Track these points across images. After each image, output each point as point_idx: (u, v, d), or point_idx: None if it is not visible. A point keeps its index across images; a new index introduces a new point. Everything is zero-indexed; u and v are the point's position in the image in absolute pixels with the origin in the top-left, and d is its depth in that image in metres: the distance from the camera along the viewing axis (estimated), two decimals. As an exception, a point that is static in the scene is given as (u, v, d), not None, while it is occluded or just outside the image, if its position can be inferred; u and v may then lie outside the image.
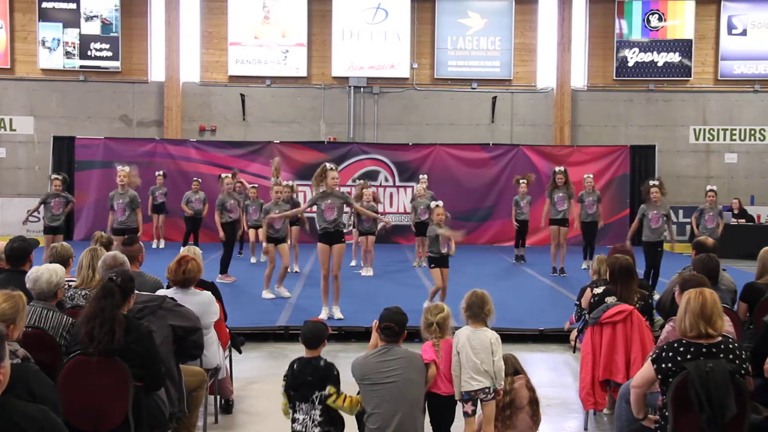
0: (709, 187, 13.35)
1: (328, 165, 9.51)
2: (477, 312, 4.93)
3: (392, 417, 4.54)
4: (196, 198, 15.47)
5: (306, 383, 4.59)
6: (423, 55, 20.07)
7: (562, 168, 13.84)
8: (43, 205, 12.65)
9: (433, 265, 9.46)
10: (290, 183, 13.83)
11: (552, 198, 13.43)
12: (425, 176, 15.19)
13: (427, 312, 4.98)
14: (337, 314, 9.33)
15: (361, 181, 14.43)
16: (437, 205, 9.51)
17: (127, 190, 11.71)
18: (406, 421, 4.56)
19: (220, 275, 11.94)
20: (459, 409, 4.91)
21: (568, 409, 6.53)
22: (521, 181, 14.85)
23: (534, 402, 4.97)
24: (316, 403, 4.57)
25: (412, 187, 18.46)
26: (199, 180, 16.07)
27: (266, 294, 10.83)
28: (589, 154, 18.93)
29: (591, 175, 14.61)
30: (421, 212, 13.92)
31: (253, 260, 14.61)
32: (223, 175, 13.36)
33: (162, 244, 16.96)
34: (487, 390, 4.76)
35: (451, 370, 4.86)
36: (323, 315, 9.27)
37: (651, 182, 12.01)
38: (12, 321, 3.89)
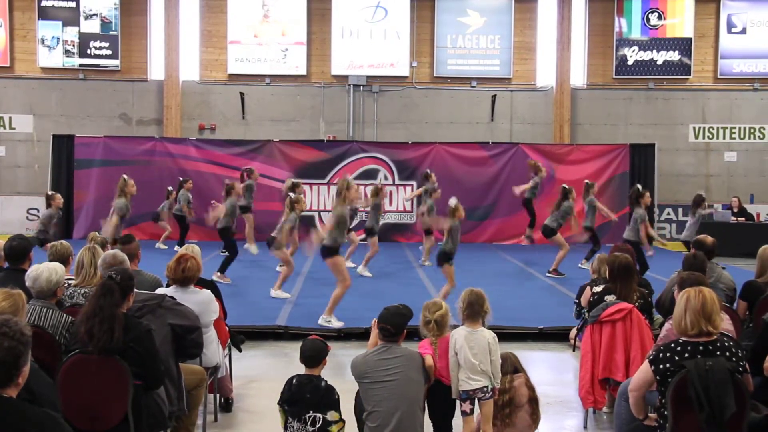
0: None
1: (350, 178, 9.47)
2: (477, 310, 4.92)
3: (392, 415, 4.54)
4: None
5: (303, 400, 4.50)
6: (422, 54, 20.06)
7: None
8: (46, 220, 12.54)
9: (452, 262, 9.55)
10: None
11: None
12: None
13: (425, 309, 4.97)
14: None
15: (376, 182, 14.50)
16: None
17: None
18: (405, 419, 4.56)
19: (218, 273, 11.92)
20: (458, 407, 4.92)
21: (567, 407, 6.54)
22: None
23: (533, 400, 4.96)
24: (308, 424, 4.47)
25: (412, 185, 18.52)
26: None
27: (278, 293, 10.78)
28: (588, 152, 18.92)
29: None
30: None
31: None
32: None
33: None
34: (485, 389, 4.76)
35: (447, 370, 4.86)
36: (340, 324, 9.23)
37: (641, 187, 12.63)
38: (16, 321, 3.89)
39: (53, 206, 12.41)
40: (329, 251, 9.04)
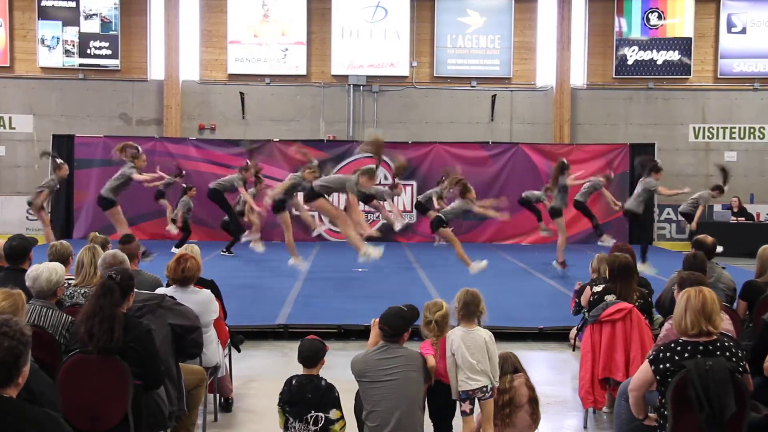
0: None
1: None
2: (473, 311, 4.91)
3: (391, 415, 4.53)
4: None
5: (304, 400, 4.50)
6: (422, 54, 20.06)
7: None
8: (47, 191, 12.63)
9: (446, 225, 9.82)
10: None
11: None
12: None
13: (426, 309, 4.97)
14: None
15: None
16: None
17: None
18: (404, 419, 4.55)
19: (249, 234, 12.14)
20: (458, 407, 4.91)
21: (567, 407, 6.54)
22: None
23: (533, 400, 4.96)
24: (310, 423, 4.47)
25: (412, 185, 18.53)
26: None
27: (296, 261, 10.90)
28: (588, 152, 18.92)
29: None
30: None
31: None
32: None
33: None
34: (484, 389, 4.75)
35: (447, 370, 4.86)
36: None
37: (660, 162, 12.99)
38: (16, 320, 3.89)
39: (57, 176, 12.45)
40: (314, 195, 9.24)
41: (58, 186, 12.71)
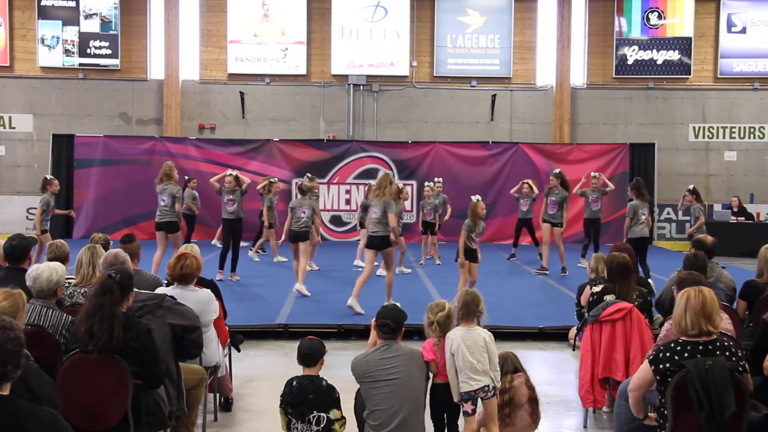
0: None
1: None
2: (472, 311, 4.92)
3: (394, 414, 4.53)
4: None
5: (306, 401, 4.51)
6: (422, 53, 20.05)
7: (556, 170, 13.91)
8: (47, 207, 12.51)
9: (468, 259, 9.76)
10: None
11: (546, 199, 13.51)
12: (440, 180, 15.19)
13: (429, 310, 4.97)
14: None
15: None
16: (479, 200, 9.85)
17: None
18: (407, 417, 4.56)
19: (231, 272, 12.09)
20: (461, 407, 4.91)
21: (567, 407, 6.54)
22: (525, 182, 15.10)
23: (533, 400, 4.96)
24: (313, 423, 4.49)
25: (412, 185, 18.51)
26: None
27: (300, 288, 10.85)
28: (588, 152, 18.93)
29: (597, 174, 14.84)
30: (427, 212, 14.52)
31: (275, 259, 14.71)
32: (229, 172, 13.07)
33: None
34: (486, 388, 4.74)
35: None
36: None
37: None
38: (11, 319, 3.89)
39: (48, 191, 12.31)
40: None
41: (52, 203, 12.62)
